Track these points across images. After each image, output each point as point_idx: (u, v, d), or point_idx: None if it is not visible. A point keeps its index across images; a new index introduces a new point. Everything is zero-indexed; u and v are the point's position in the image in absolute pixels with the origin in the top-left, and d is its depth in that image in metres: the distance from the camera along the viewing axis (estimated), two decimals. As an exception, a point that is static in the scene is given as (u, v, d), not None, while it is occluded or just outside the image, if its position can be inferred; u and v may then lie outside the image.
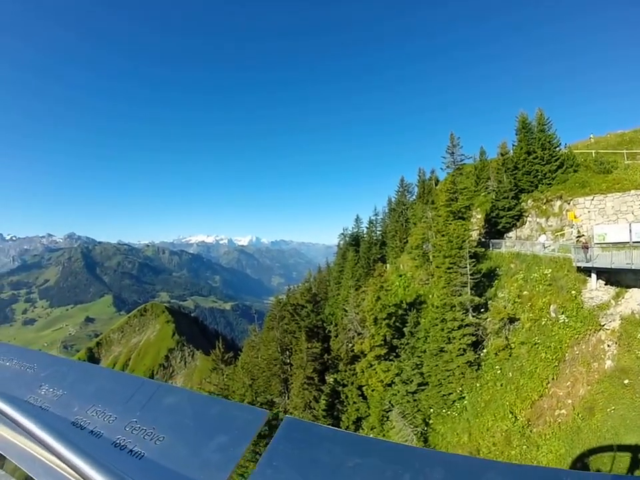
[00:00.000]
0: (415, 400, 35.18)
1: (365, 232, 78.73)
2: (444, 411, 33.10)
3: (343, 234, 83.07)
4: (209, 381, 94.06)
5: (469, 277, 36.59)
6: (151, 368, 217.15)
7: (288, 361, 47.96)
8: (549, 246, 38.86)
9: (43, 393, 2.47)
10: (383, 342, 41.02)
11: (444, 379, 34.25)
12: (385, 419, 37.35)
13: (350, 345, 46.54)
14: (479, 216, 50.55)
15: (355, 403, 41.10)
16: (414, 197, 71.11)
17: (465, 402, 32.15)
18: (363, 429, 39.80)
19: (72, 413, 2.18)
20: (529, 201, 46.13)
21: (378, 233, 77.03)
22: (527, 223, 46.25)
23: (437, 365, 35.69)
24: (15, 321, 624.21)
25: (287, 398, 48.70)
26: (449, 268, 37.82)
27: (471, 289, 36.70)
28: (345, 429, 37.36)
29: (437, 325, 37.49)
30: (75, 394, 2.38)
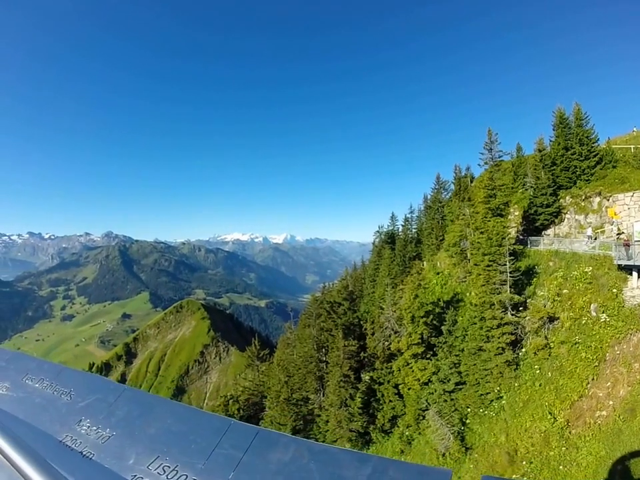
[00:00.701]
0: (452, 399, 35.45)
1: (400, 230, 78.95)
2: (481, 410, 33.30)
3: (378, 232, 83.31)
4: (244, 377, 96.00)
5: (509, 275, 36.57)
6: (186, 363, 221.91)
7: (324, 358, 48.68)
8: (595, 239, 38.48)
9: (83, 431, 1.92)
10: (420, 340, 41.33)
11: (482, 378, 34.44)
12: (421, 417, 37.74)
13: (387, 343, 46.96)
14: (517, 213, 50.24)
15: (390, 401, 41.58)
16: (449, 194, 70.98)
17: (503, 402, 32.23)
18: (398, 426, 40.30)
19: (127, 468, 1.63)
20: (568, 198, 45.62)
21: (413, 230, 77.22)
22: (565, 220, 45.75)
23: (474, 364, 35.86)
24: (53, 317, 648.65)
25: (322, 395, 49.49)
26: (488, 265, 37.83)
27: (510, 287, 36.71)
28: (380, 427, 38.07)
29: (475, 324, 37.63)
30: (129, 437, 1.81)
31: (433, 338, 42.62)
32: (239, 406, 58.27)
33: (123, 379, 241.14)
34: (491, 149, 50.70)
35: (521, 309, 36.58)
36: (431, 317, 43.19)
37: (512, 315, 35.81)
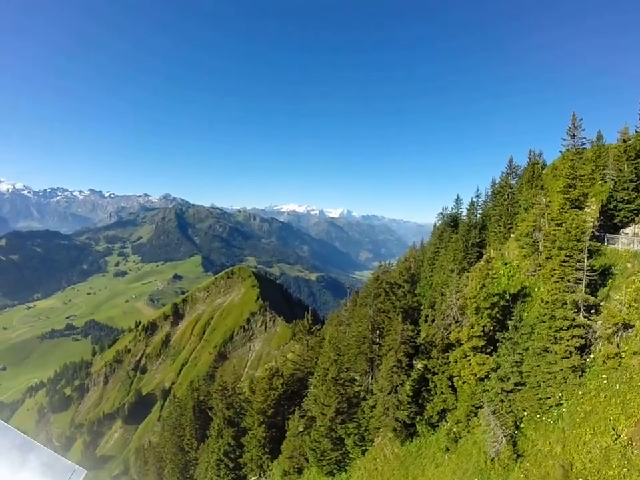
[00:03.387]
0: (509, 399, 35.07)
1: (464, 214, 77.46)
2: (538, 416, 32.82)
3: (441, 214, 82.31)
4: (293, 350, 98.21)
5: (585, 274, 35.41)
6: (232, 329, 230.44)
7: (377, 340, 49.05)
8: None
9: None
10: (482, 333, 40.86)
11: (544, 382, 33.81)
12: (473, 414, 37.62)
13: (446, 331, 46.68)
14: (594, 207, 48.33)
15: (442, 393, 41.68)
16: (516, 180, 69.13)
17: (563, 409, 31.54)
18: (446, 421, 40.45)
19: None
20: (651, 194, 43.40)
21: (478, 215, 75.50)
22: (646, 219, 43.68)
23: (538, 365, 35.16)
24: (107, 272, 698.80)
25: (370, 378, 50.11)
26: (564, 261, 36.69)
27: (585, 286, 35.60)
28: (428, 419, 38.30)
29: (544, 322, 36.67)
30: None
31: (498, 332, 41.97)
32: (283, 381, 59.77)
33: (167, 340, 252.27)
34: (574, 135, 48.82)
35: (592, 311, 35.50)
36: (496, 309, 42.55)
37: (584, 317, 34.86)
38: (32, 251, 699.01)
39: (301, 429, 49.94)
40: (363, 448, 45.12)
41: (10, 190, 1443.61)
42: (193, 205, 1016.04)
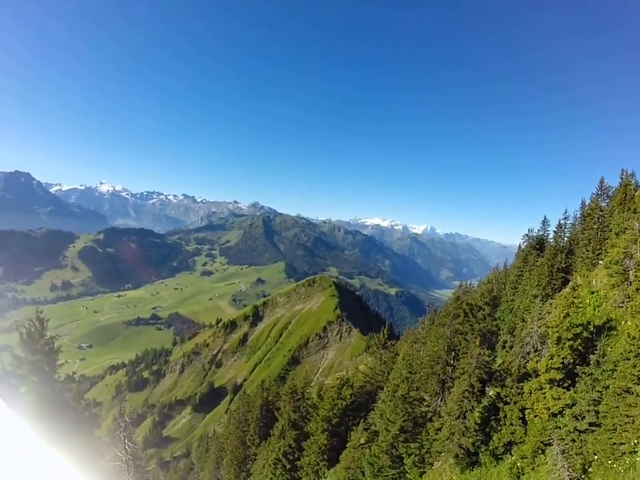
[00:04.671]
0: (580, 440, 33.06)
1: (551, 236, 74.23)
2: (609, 461, 30.51)
3: (527, 235, 79.21)
4: (365, 363, 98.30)
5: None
6: (308, 335, 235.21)
7: (452, 362, 48.17)
8: None
9: None
10: (561, 365, 38.94)
11: (620, 425, 31.52)
12: (540, 451, 35.81)
13: (524, 360, 45.02)
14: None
15: (512, 424, 40.03)
16: (606, 202, 65.16)
17: (637, 458, 28.90)
18: (511, 454, 38.81)
19: None
20: None
21: (565, 239, 72.10)
22: None
23: (617, 407, 32.91)
24: (195, 270, 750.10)
25: (439, 400, 49.22)
26: (655, 294, 34.39)
27: (677, 324, 33.17)
28: (492, 450, 36.98)
29: (628, 360, 34.39)
30: None
31: (579, 366, 39.83)
32: (352, 392, 59.96)
33: (244, 338, 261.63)
34: (672, 156, 45.61)
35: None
36: (579, 341, 40.42)
37: (672, 358, 32.42)
38: (127, 245, 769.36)
39: (362, 441, 49.88)
40: (422, 470, 44.24)
41: (110, 191, 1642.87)
42: (280, 213, 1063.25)
